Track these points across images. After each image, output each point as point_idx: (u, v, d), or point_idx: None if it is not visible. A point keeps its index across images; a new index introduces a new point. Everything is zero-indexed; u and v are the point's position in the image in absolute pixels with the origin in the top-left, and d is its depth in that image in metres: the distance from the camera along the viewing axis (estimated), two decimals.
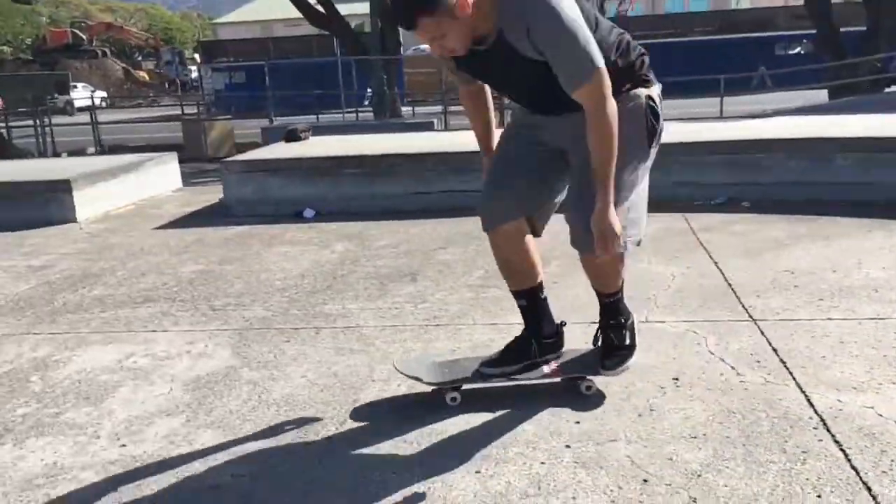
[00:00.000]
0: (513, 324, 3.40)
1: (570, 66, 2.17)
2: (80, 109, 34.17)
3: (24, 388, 3.08)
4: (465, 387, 2.68)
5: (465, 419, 2.57)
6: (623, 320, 2.68)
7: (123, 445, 2.55)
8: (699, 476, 2.15)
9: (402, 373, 2.78)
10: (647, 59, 2.45)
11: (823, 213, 5.13)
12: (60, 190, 6.37)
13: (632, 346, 2.66)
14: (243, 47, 43.10)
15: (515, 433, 2.46)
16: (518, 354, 2.69)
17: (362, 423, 2.60)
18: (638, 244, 2.51)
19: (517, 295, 2.69)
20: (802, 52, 27.63)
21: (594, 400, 2.65)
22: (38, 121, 17.31)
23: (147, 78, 56.90)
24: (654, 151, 2.47)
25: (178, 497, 2.23)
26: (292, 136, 7.57)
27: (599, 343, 2.72)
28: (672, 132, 6.60)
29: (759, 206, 5.45)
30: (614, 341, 2.66)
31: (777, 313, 3.37)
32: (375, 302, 3.92)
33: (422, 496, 2.15)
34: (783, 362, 2.85)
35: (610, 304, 2.67)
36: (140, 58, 62.71)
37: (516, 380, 2.68)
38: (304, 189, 6.29)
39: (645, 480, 2.14)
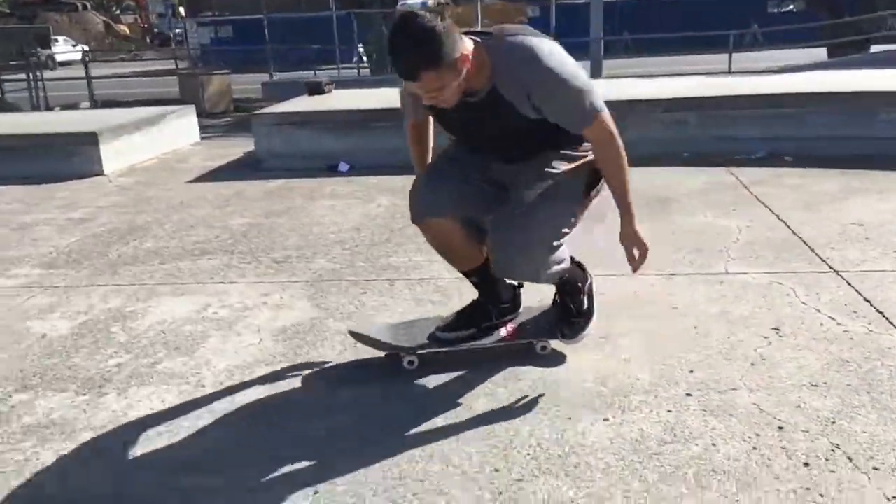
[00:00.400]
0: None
1: (572, 118, 2.23)
2: (62, 64, 33.48)
3: (108, 338, 3.03)
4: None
5: (572, 364, 2.57)
6: (580, 284, 2.62)
7: (231, 394, 2.53)
8: (833, 423, 2.16)
9: (357, 337, 2.72)
10: None
11: (869, 167, 5.12)
12: (87, 142, 6.23)
13: (589, 312, 2.61)
14: (228, 0, 42.17)
15: (632, 382, 2.45)
16: (473, 319, 2.65)
17: (466, 371, 2.59)
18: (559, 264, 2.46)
19: (466, 275, 2.65)
20: (794, 10, 27.47)
21: (701, 350, 2.65)
22: (31, 74, 16.87)
23: (128, 32, 55.68)
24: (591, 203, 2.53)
25: (301, 438, 2.21)
26: (316, 88, 7.44)
27: (557, 302, 2.68)
28: (710, 85, 6.59)
29: (802, 160, 5.44)
30: (572, 308, 2.60)
31: (857, 265, 3.37)
32: (422, 255, 3.87)
33: (555, 441, 2.14)
34: (880, 312, 2.86)
35: (562, 281, 2.59)
36: (118, 11, 61.27)
37: (473, 345, 2.63)
38: (336, 142, 6.20)
39: (780, 427, 2.15)
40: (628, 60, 17.06)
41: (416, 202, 2.49)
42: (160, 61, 36.22)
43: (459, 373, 2.58)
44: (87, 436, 2.31)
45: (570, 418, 2.26)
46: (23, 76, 19.97)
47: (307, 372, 2.67)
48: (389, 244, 4.11)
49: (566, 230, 2.42)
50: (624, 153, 2.27)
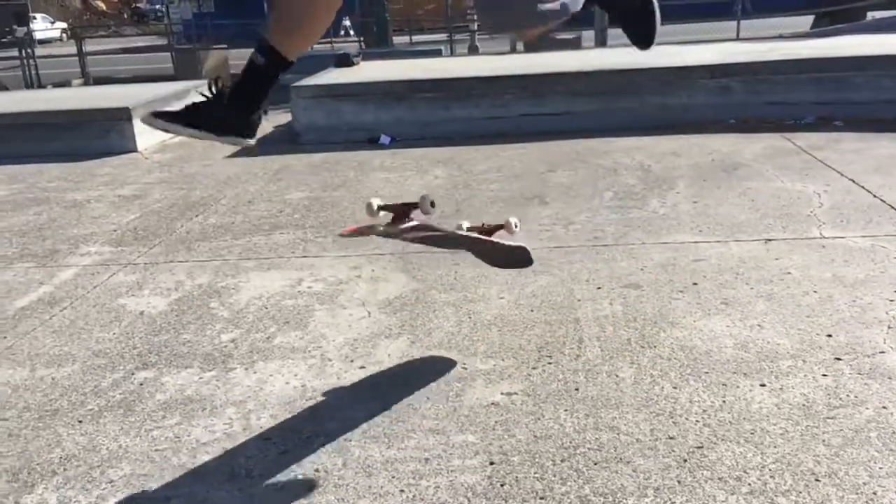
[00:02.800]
0: (684, 242, 3.37)
1: None
2: (41, 42, 32.80)
3: (211, 314, 2.96)
4: None
5: (705, 330, 2.53)
6: None
7: (362, 367, 2.48)
8: None
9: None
10: None
11: None
12: (121, 118, 6.09)
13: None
14: None
15: (774, 348, 2.42)
16: (201, 117, 1.99)
17: (603, 342, 2.55)
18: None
19: (268, 52, 1.92)
20: None
21: (832, 314, 2.62)
22: (23, 51, 16.52)
23: (104, 8, 54.63)
24: None
25: (459, 408, 2.16)
26: (345, 60, 7.32)
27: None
28: (758, 51, 6.51)
29: (853, 124, 5.42)
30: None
31: None
32: (522, 224, 3.80)
33: (719, 408, 2.11)
34: None
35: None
36: None
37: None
38: (377, 114, 6.10)
39: None
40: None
41: None
42: (141, 37, 35.66)
43: (594, 339, 2.54)
44: (231, 411, 2.25)
45: (724, 384, 2.23)
46: (13, 54, 19.64)
47: (427, 341, 2.62)
48: (461, 215, 4.04)
49: None
50: None
